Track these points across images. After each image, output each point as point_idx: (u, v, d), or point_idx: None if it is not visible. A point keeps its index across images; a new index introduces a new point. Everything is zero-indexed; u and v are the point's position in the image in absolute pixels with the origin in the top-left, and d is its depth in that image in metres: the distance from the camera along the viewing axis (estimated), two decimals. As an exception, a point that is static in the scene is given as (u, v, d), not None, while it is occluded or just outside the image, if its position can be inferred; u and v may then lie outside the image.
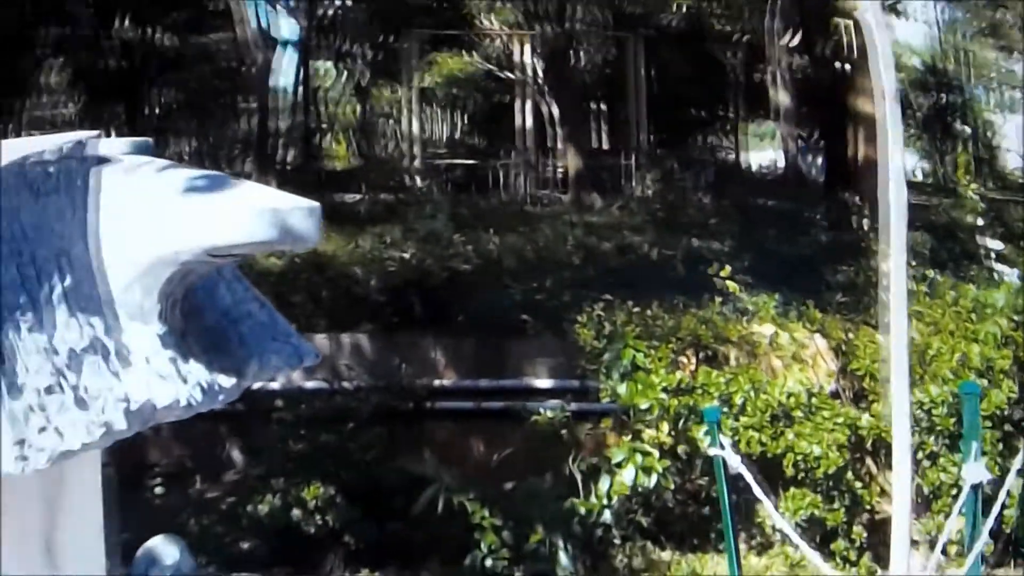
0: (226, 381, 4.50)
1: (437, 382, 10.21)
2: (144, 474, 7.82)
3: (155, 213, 4.29)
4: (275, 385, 9.49)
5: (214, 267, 4.78)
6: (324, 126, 30.37)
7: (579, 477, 6.75)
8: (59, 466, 4.48)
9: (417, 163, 27.62)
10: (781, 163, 48.56)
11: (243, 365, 4.68)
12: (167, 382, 4.22)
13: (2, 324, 3.82)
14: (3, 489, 4.21)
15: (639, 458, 7.87)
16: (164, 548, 6.49)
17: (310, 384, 10.13)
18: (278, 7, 26.38)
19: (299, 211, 4.19)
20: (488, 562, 6.45)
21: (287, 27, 27.25)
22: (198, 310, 4.68)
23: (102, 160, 4.53)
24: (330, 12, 33.31)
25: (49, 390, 3.79)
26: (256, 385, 9.33)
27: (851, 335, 12.91)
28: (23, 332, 3.90)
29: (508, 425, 7.83)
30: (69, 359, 3.97)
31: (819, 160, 41.01)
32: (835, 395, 12.41)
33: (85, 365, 4.01)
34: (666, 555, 10.40)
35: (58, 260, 4.20)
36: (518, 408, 8.44)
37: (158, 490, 7.76)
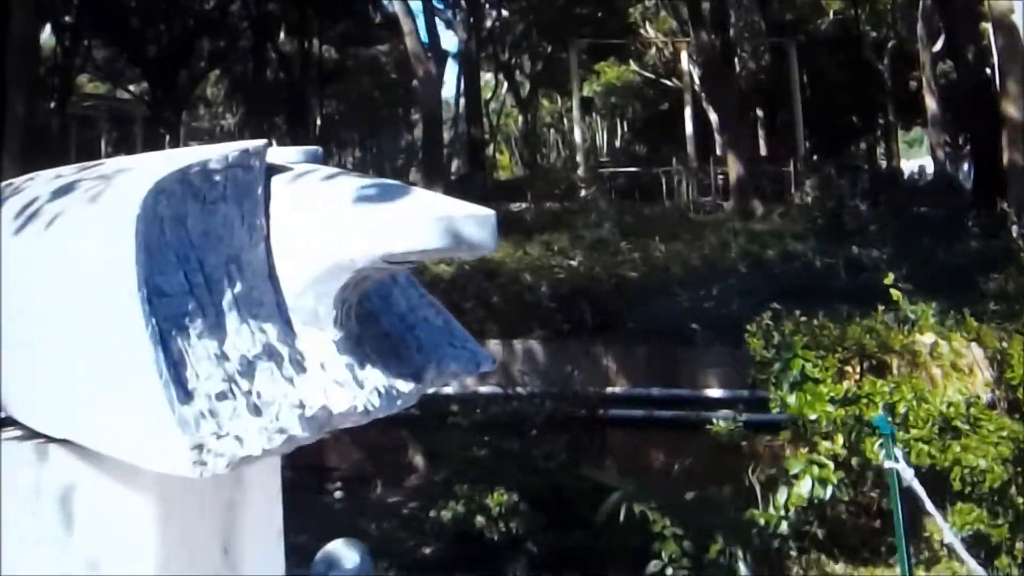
0: (404, 386, 4.31)
1: (609, 390, 9.98)
2: (324, 478, 7.74)
3: (329, 220, 4.13)
4: (449, 390, 9.34)
5: (389, 273, 4.63)
6: (488, 136, 30.41)
7: (757, 488, 6.48)
8: (238, 470, 4.53)
9: (581, 171, 27.49)
10: (931, 169, 47.70)
11: (421, 370, 4.49)
12: (344, 388, 4.04)
13: (171, 331, 3.69)
14: (179, 492, 4.09)
15: (815, 470, 7.57)
16: (344, 551, 6.36)
17: (485, 389, 9.98)
18: (442, 20, 26.41)
19: (474, 219, 4.02)
20: (669, 571, 6.22)
21: (450, 40, 27.26)
22: (373, 316, 4.52)
23: (271, 168, 4.41)
24: (492, 24, 33.31)
25: (221, 396, 3.64)
26: (430, 391, 9.28)
27: (1005, 344, 12.39)
28: (192, 339, 3.75)
29: (683, 434, 7.58)
30: (241, 365, 3.82)
31: (968, 166, 40.02)
32: (991, 405, 11.89)
33: (258, 371, 3.84)
34: (839, 568, 10.03)
35: (227, 267, 4.07)
36: (691, 418, 8.17)
37: (337, 494, 7.66)
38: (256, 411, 3.68)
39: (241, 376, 3.76)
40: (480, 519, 6.82)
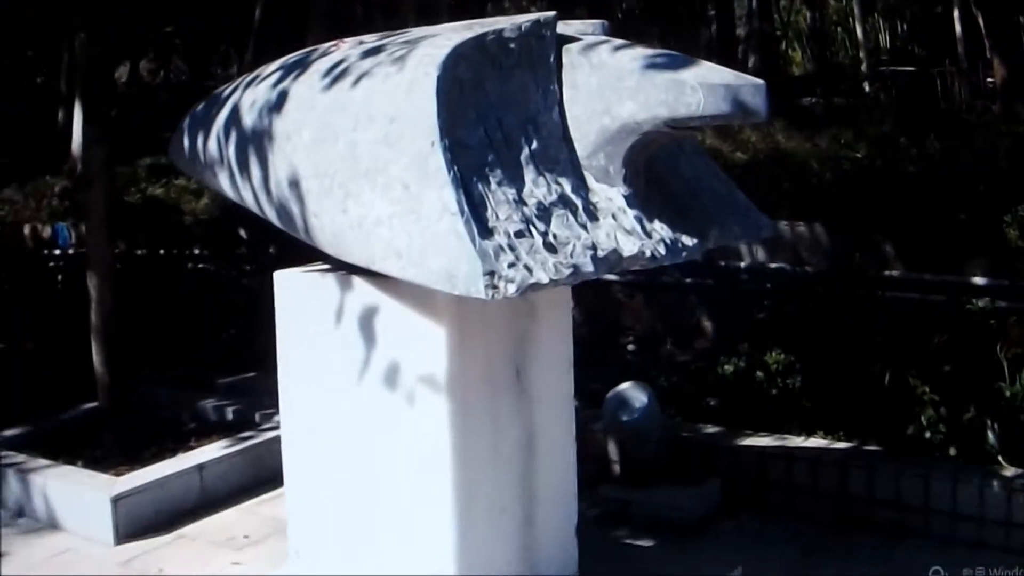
0: (688, 240, 4.38)
1: (886, 272, 9.89)
2: (618, 335, 7.92)
3: (617, 86, 4.20)
4: (741, 264, 9.41)
5: (674, 140, 4.72)
6: (779, 33, 29.91)
7: (1005, 365, 6.40)
8: (531, 305, 4.69)
9: (864, 68, 26.89)
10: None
11: (704, 231, 4.56)
12: (632, 236, 4.13)
13: (472, 178, 3.88)
14: (475, 318, 4.41)
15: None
16: (633, 393, 6.55)
17: (773, 265, 10.02)
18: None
19: (750, 87, 4.05)
20: (927, 435, 6.22)
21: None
22: (661, 180, 4.59)
23: (561, 39, 4.55)
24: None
25: (519, 234, 3.77)
26: (722, 264, 9.33)
27: None
28: (492, 186, 3.90)
29: (946, 314, 7.48)
30: (539, 211, 3.94)
31: None
32: None
33: (554, 217, 3.97)
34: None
35: (524, 127, 4.19)
36: (955, 301, 8.02)
37: (630, 348, 7.84)
38: (551, 249, 3.81)
39: (538, 219, 3.89)
40: (760, 374, 6.92)
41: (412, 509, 4.47)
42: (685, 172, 4.82)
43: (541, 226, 3.88)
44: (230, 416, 8.27)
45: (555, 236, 3.89)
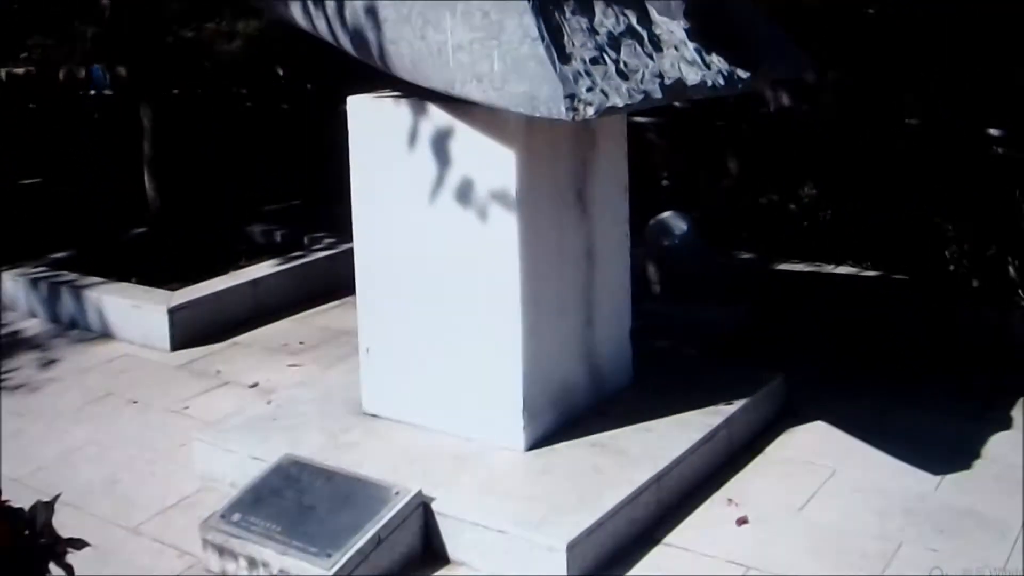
0: (743, 73, 4.63)
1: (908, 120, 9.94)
2: (652, 172, 8.14)
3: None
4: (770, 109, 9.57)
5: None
6: None
7: None
8: (592, 133, 5.00)
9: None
10: None
11: (756, 65, 4.79)
12: (694, 67, 4.39)
13: (548, 6, 4.09)
14: (542, 143, 4.67)
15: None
16: (674, 221, 6.87)
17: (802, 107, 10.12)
18: None
19: None
20: (951, 267, 6.54)
21: None
22: (714, 16, 4.79)
23: None
24: None
25: (594, 61, 4.03)
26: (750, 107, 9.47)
27: None
28: (567, 14, 4.12)
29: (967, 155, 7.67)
30: (610, 39, 4.19)
31: None
32: None
33: (623, 46, 4.21)
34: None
35: (594, -42, 4.42)
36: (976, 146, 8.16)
37: (664, 183, 8.06)
38: (623, 76, 4.08)
39: (609, 48, 4.14)
40: (792, 206, 7.19)
41: (482, 312, 4.82)
42: (734, 10, 5.04)
43: (613, 54, 4.13)
44: (278, 239, 8.63)
45: (625, 64, 4.15)
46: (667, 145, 8.37)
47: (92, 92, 12.87)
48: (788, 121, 7.86)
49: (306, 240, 8.42)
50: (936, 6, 7.59)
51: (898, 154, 7.49)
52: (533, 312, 4.77)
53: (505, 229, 4.66)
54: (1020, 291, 6.61)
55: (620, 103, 3.96)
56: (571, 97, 3.84)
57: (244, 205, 9.44)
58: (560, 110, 3.83)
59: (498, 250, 4.70)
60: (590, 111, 3.84)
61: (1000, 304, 6.52)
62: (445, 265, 4.88)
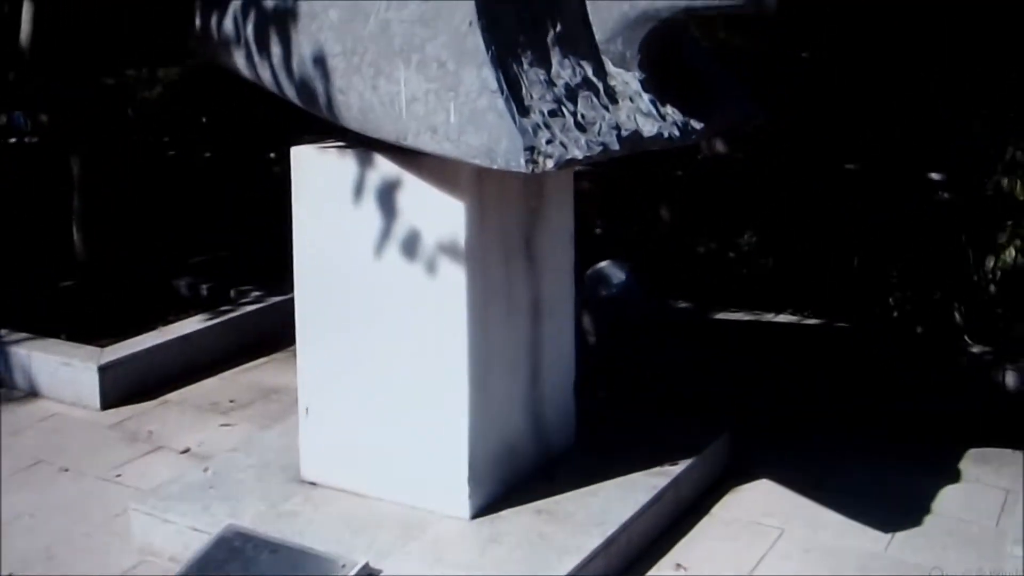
0: (696, 124, 4.61)
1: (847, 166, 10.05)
2: (588, 220, 8.10)
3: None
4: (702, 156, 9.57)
5: (686, 28, 4.95)
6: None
7: (970, 253, 6.78)
8: (540, 183, 4.93)
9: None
10: None
11: (708, 114, 4.79)
12: (649, 118, 4.35)
13: (507, 58, 4.05)
14: (492, 194, 4.61)
15: (1019, 242, 7.68)
16: (612, 270, 6.84)
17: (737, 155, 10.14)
18: None
19: None
20: (895, 313, 6.61)
21: None
22: (665, 63, 4.78)
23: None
24: None
25: (552, 113, 3.97)
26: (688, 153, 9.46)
27: None
28: (525, 66, 4.07)
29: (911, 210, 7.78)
30: (566, 91, 4.14)
31: None
32: None
33: (580, 98, 4.16)
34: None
35: (550, 9, 4.31)
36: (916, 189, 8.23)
37: (598, 231, 8.02)
38: (581, 128, 4.02)
39: (567, 100, 4.10)
40: (731, 254, 7.23)
41: (427, 369, 4.71)
42: (685, 55, 5.03)
43: (570, 106, 4.09)
44: (204, 293, 8.47)
45: (583, 116, 4.11)
46: (601, 192, 8.35)
47: (12, 140, 12.59)
48: (725, 167, 7.88)
49: (233, 293, 8.27)
50: (872, 49, 7.65)
51: (838, 200, 7.54)
52: (481, 369, 4.68)
53: (453, 282, 4.57)
54: (965, 336, 6.65)
55: (579, 155, 3.92)
56: (531, 150, 3.78)
57: (169, 257, 9.27)
58: (520, 163, 3.78)
59: (445, 304, 4.60)
60: (550, 164, 3.80)
61: (945, 350, 6.55)
62: (389, 321, 4.77)
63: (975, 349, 6.51)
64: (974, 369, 6.34)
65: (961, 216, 7.23)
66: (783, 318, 7.10)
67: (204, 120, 12.02)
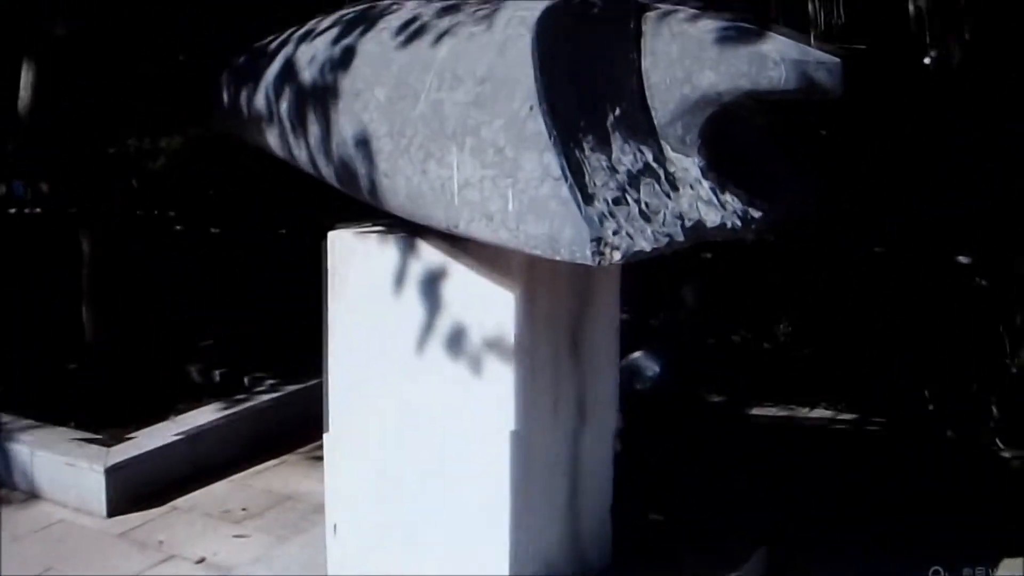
0: (755, 213, 4.42)
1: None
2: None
3: (699, 56, 4.17)
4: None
5: (746, 110, 4.77)
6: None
7: (1007, 341, 6.70)
8: (588, 273, 4.57)
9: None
10: None
11: (766, 202, 4.61)
12: (711, 207, 4.15)
13: (568, 142, 3.85)
14: (542, 282, 4.40)
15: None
16: (645, 363, 6.67)
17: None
18: None
19: (829, 64, 4.07)
20: (931, 406, 6.50)
21: None
22: (729, 150, 4.61)
23: (641, 6, 4.53)
24: None
25: (616, 201, 3.77)
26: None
27: None
28: (587, 151, 3.89)
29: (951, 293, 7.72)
30: (629, 178, 3.95)
31: None
32: None
33: (642, 185, 3.96)
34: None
35: (609, 93, 4.18)
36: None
37: (624, 316, 7.89)
38: (646, 218, 3.82)
39: (630, 187, 3.91)
40: (767, 345, 7.10)
41: (469, 479, 4.46)
42: (736, 133, 4.83)
43: (634, 194, 3.90)
44: (216, 379, 8.22)
45: (647, 204, 3.91)
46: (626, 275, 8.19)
47: (12, 211, 12.39)
48: (759, 252, 7.72)
49: (247, 381, 8.01)
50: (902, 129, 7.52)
51: (870, 285, 7.37)
52: (524, 481, 4.43)
53: (499, 380, 4.33)
54: (998, 440, 6.45)
55: (647, 247, 3.72)
56: (597, 240, 3.58)
57: (180, 337, 9.03)
58: (585, 254, 3.57)
59: (490, 405, 4.36)
60: (616, 256, 3.60)
61: (983, 449, 6.35)
62: (428, 428, 4.53)
63: (1007, 454, 6.32)
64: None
65: (992, 301, 7.08)
66: (817, 413, 6.90)
67: (211, 193, 11.84)
